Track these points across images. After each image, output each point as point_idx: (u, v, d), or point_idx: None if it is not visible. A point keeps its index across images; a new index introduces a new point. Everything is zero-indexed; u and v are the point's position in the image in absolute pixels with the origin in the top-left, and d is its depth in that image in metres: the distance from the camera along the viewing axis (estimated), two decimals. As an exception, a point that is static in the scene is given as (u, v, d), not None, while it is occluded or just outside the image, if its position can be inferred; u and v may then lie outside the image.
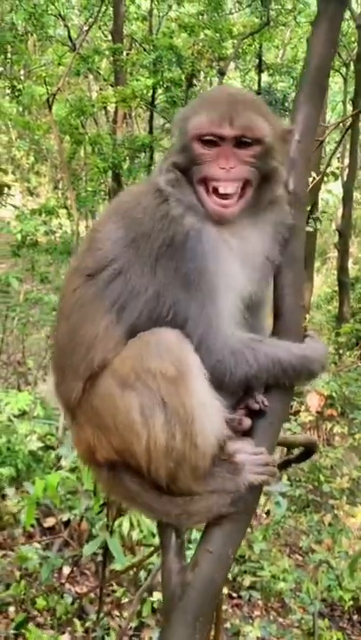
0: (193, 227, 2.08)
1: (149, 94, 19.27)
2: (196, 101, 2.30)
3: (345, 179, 18.68)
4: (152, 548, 5.00)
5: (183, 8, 19.99)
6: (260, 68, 22.08)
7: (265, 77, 22.66)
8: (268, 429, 2.10)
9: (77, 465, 6.56)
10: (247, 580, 7.46)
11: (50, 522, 7.32)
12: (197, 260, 2.06)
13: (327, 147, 15.95)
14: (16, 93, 18.91)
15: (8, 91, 19.60)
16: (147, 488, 2.06)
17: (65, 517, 6.94)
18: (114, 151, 17.39)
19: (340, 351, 14.34)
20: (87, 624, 6.00)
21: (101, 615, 5.76)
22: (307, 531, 8.78)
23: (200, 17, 19.10)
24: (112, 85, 19.17)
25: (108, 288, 2.11)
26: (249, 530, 7.58)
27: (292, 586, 7.47)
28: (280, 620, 7.57)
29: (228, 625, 6.84)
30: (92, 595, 6.40)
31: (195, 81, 19.94)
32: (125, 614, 6.19)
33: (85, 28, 17.69)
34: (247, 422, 2.09)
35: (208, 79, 21.76)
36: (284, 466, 3.10)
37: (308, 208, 6.36)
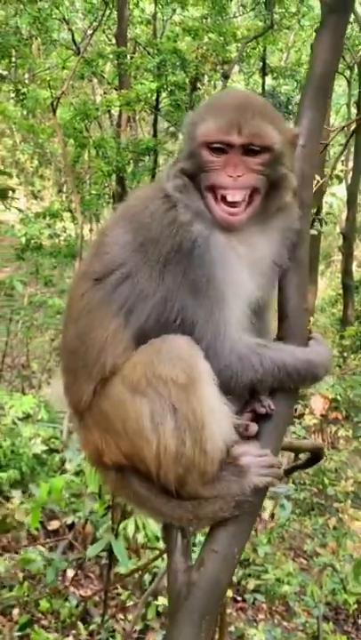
0: (201, 234, 2.08)
1: (153, 98, 19.29)
2: (205, 106, 2.28)
3: (349, 182, 18.69)
4: (157, 552, 5.01)
5: (187, 12, 19.99)
6: (264, 72, 22.08)
7: (269, 80, 22.66)
8: (273, 431, 2.11)
9: (82, 468, 6.58)
10: (251, 584, 7.45)
11: (54, 525, 7.33)
12: (205, 267, 2.07)
13: (331, 150, 15.97)
14: (20, 97, 18.92)
15: (12, 94, 19.64)
16: (155, 492, 2.08)
17: (69, 520, 6.94)
18: (118, 155, 17.39)
19: (345, 354, 14.32)
20: (92, 627, 6.00)
21: (106, 618, 5.76)
22: (311, 534, 8.76)
23: (204, 20, 19.13)
24: (116, 89, 19.18)
25: (115, 292, 2.12)
26: (253, 533, 7.59)
27: (296, 589, 7.46)
28: (284, 623, 7.56)
29: (232, 628, 6.83)
30: (96, 598, 6.40)
31: (199, 84, 19.96)
32: (130, 617, 6.19)
33: (89, 31, 17.65)
34: (254, 428, 2.10)
35: (212, 83, 21.77)
36: (291, 471, 3.11)
37: (313, 211, 6.37)
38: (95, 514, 5.99)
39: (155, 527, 5.93)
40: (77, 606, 6.26)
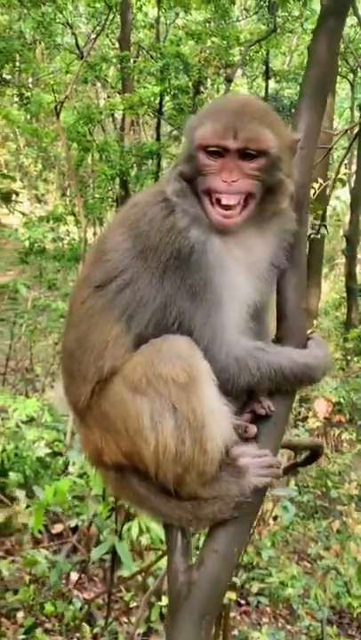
0: (198, 239, 2.10)
1: (157, 101, 19.31)
2: (204, 110, 2.30)
3: (352, 185, 18.68)
4: (160, 553, 5.01)
5: (190, 16, 20.04)
6: (267, 75, 22.08)
7: (272, 84, 22.68)
8: (272, 431, 2.13)
9: (85, 471, 6.59)
10: (255, 587, 7.44)
11: (58, 528, 7.33)
12: (202, 271, 2.09)
13: (335, 153, 15.96)
14: (24, 101, 18.97)
15: (16, 98, 19.69)
16: (155, 492, 2.09)
17: (73, 523, 6.95)
18: (121, 158, 17.42)
19: (348, 357, 14.30)
20: (95, 630, 6.00)
21: (109, 621, 5.76)
22: (315, 537, 8.76)
23: (207, 24, 19.14)
24: (119, 93, 19.21)
25: (116, 299, 2.14)
26: (257, 537, 7.58)
27: (300, 592, 7.45)
28: (288, 627, 7.55)
29: (236, 632, 6.82)
30: (100, 600, 6.40)
31: (202, 88, 20.00)
32: (133, 620, 6.19)
33: (93, 35, 17.71)
34: (253, 430, 2.12)
35: (215, 86, 21.77)
36: (290, 470, 3.11)
37: (318, 214, 6.37)
38: (99, 516, 5.99)
39: (159, 529, 5.94)
40: (81, 609, 6.26)
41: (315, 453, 2.92)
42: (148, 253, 2.12)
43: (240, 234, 2.14)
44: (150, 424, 2.00)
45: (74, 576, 6.75)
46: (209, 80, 20.52)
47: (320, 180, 6.14)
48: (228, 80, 18.90)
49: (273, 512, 8.03)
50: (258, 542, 7.67)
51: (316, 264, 16.06)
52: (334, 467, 9.68)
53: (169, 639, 1.95)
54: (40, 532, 6.81)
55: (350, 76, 21.58)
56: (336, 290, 23.63)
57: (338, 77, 19.82)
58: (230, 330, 2.10)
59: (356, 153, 18.30)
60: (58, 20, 17.68)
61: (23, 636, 5.70)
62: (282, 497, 7.06)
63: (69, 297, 2.50)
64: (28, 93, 19.25)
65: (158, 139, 20.57)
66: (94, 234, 17.23)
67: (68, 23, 18.13)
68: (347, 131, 6.78)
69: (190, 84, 18.86)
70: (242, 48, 19.59)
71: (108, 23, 17.59)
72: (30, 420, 8.39)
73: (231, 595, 5.59)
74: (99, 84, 22.42)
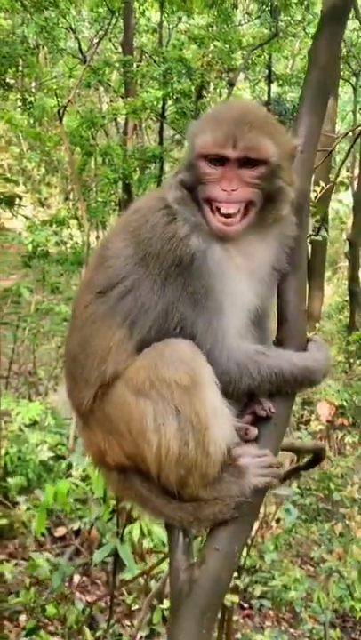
0: (199, 247, 2.11)
1: (159, 106, 19.33)
2: (205, 117, 2.31)
3: (355, 188, 18.68)
4: (162, 556, 5.01)
5: (193, 20, 20.06)
6: (269, 79, 22.11)
7: (274, 88, 22.68)
8: (272, 432, 2.15)
9: (88, 474, 6.59)
10: (258, 590, 7.43)
11: (60, 531, 7.34)
12: (204, 278, 2.10)
13: (337, 156, 15.98)
14: (27, 105, 19.00)
15: (19, 103, 19.72)
16: (157, 493, 2.11)
17: (75, 526, 6.95)
18: (124, 162, 17.44)
19: (351, 360, 14.29)
20: (98, 633, 6.01)
21: (112, 623, 5.76)
22: (318, 540, 8.75)
23: (210, 29, 19.15)
24: (122, 97, 19.26)
25: (118, 305, 2.16)
26: (260, 539, 7.58)
27: (303, 595, 7.44)
28: (291, 630, 7.54)
29: (238, 635, 6.82)
30: (102, 603, 6.40)
31: (204, 92, 19.99)
32: (136, 622, 6.19)
33: (96, 40, 17.71)
34: (254, 432, 2.14)
35: (218, 90, 21.79)
36: (293, 473, 3.12)
37: (320, 217, 6.39)
38: (101, 519, 6.00)
39: (160, 532, 5.94)
40: (84, 612, 6.27)
41: (317, 456, 2.92)
42: (150, 260, 2.14)
43: (241, 241, 2.15)
44: (153, 426, 2.02)
45: (76, 579, 6.76)
46: (211, 84, 20.53)
47: (322, 184, 6.16)
48: (231, 84, 18.96)
49: (276, 515, 8.03)
50: (261, 545, 7.67)
51: (318, 267, 16.07)
52: (337, 469, 9.67)
53: (171, 636, 1.96)
54: (43, 534, 6.82)
55: (353, 80, 21.60)
56: (339, 293, 23.61)
57: (340, 81, 19.84)
58: (231, 335, 2.12)
59: (358, 156, 18.32)
60: (61, 25, 17.70)
61: (25, 639, 5.70)
62: (283, 497, 7.06)
63: (72, 301, 2.52)
64: (32, 98, 19.28)
65: (161, 143, 20.60)
66: (97, 237, 17.23)
67: (71, 28, 18.15)
68: (347, 134, 6.78)
69: (193, 89, 18.87)
70: (244, 52, 19.64)
71: (110, 28, 17.60)
72: (33, 424, 8.42)
73: (234, 598, 5.60)
74: (102, 89, 22.44)
